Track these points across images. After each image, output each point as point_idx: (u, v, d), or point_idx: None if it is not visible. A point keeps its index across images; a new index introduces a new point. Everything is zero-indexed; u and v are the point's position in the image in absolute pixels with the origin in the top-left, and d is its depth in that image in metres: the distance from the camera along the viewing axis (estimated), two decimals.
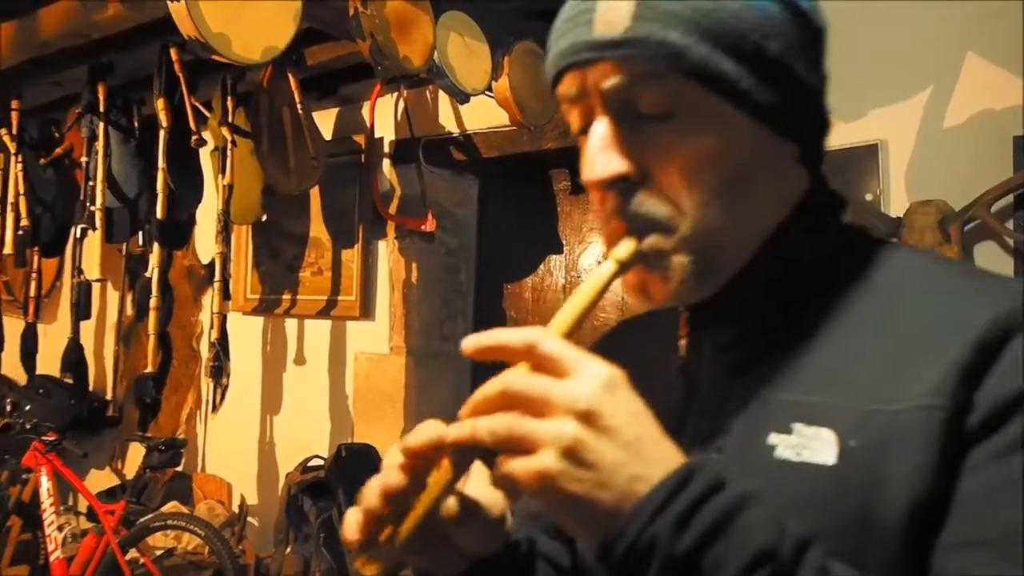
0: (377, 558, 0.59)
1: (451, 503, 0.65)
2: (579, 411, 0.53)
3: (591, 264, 3.16)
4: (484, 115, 2.85)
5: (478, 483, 0.68)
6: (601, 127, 0.65)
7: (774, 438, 0.64)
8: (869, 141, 2.27)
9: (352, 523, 0.62)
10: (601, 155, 0.65)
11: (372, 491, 0.61)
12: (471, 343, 0.59)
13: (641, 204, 0.65)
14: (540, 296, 3.31)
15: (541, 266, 3.30)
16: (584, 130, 0.68)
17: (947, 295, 0.63)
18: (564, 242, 3.25)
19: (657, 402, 0.65)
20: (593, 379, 0.54)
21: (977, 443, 0.57)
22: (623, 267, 0.66)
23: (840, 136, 2.33)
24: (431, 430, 0.60)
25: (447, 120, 3.18)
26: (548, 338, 0.56)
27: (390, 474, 0.61)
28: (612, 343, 0.85)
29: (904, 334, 0.62)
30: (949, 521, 0.57)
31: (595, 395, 0.53)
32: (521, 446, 0.54)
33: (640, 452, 0.54)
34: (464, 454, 0.58)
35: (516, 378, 0.56)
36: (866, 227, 0.73)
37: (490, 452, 0.56)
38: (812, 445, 0.62)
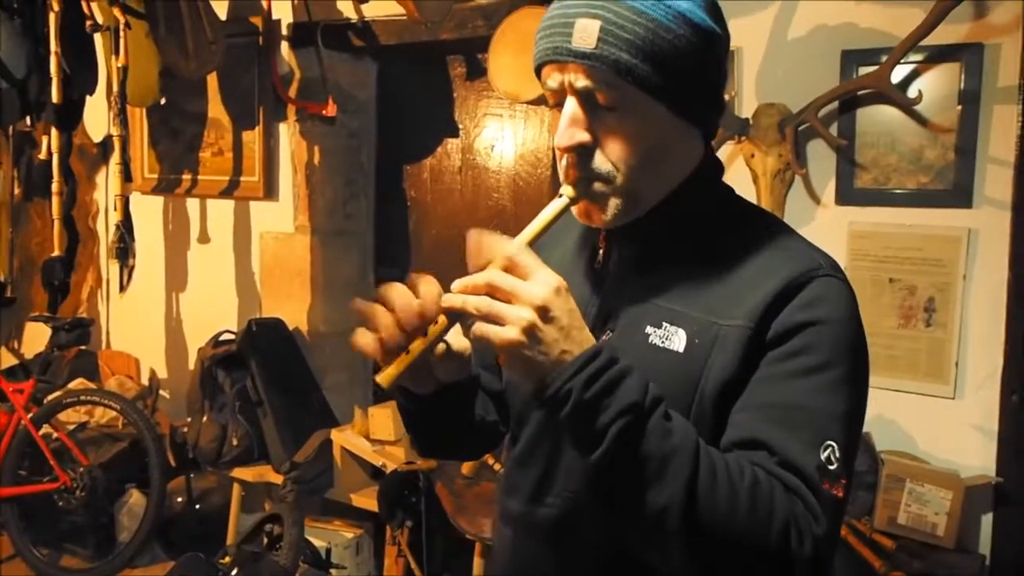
0: (387, 373, 0.90)
1: (440, 345, 0.95)
2: (536, 305, 0.80)
3: (486, 146, 3.33)
4: (382, 3, 2.92)
5: (456, 334, 0.99)
6: (570, 107, 0.94)
7: (649, 329, 0.96)
8: None
9: (368, 343, 0.91)
10: (569, 129, 0.94)
11: (389, 327, 0.91)
12: (477, 237, 0.85)
13: (593, 162, 0.94)
14: (438, 177, 3.46)
15: (439, 148, 3.42)
16: (556, 105, 0.96)
17: (774, 250, 0.96)
18: (460, 125, 3.37)
19: (576, 287, 1.01)
20: (547, 284, 0.81)
21: (769, 351, 0.90)
22: (571, 201, 0.96)
23: None
24: (433, 293, 0.90)
25: (344, 5, 3.18)
26: (522, 250, 0.83)
27: (407, 318, 0.90)
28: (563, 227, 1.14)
29: (742, 273, 0.94)
30: (742, 396, 0.90)
31: (547, 295, 0.81)
32: (495, 320, 0.80)
33: (570, 335, 0.82)
34: (453, 316, 0.87)
35: (496, 275, 0.82)
36: (733, 189, 1.06)
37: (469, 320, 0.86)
38: (672, 338, 0.95)
